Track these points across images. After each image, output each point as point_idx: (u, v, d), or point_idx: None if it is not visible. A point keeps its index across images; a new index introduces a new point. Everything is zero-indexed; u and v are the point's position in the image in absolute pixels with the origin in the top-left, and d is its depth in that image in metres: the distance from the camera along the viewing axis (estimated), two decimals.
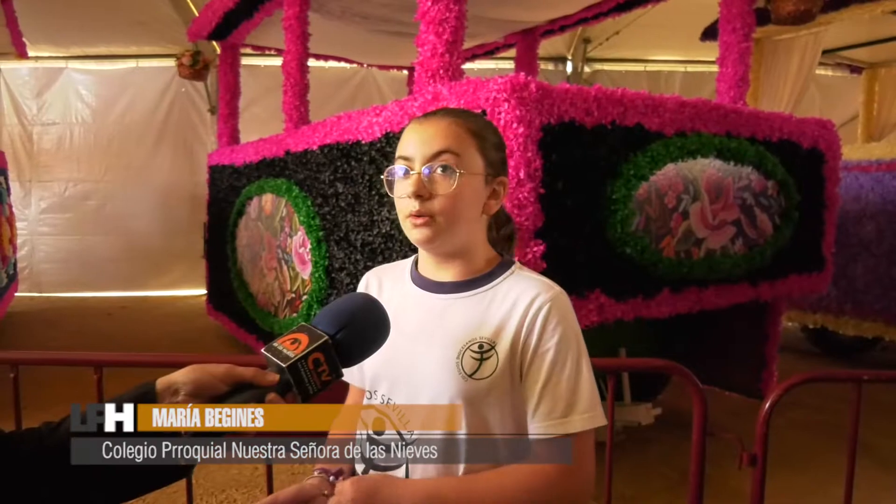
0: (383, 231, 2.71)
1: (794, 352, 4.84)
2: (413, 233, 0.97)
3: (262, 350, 0.82)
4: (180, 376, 0.79)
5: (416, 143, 0.96)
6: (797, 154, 3.03)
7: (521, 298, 0.96)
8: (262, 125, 6.06)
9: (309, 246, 3.34)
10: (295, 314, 3.59)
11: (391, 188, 0.99)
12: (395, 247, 2.64)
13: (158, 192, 7.45)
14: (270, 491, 1.58)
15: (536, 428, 0.93)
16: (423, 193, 0.94)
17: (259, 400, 0.78)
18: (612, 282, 2.39)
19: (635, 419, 3.09)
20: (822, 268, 3.24)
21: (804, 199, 3.06)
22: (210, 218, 5.46)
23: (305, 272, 3.45)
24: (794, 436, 3.29)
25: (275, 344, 0.82)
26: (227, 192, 4.89)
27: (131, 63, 7.27)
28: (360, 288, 1.12)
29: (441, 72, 2.46)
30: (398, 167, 0.98)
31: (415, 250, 1.08)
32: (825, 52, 5.24)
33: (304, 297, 3.44)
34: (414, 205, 0.94)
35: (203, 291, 6.26)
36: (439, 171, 0.94)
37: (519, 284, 0.98)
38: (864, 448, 2.54)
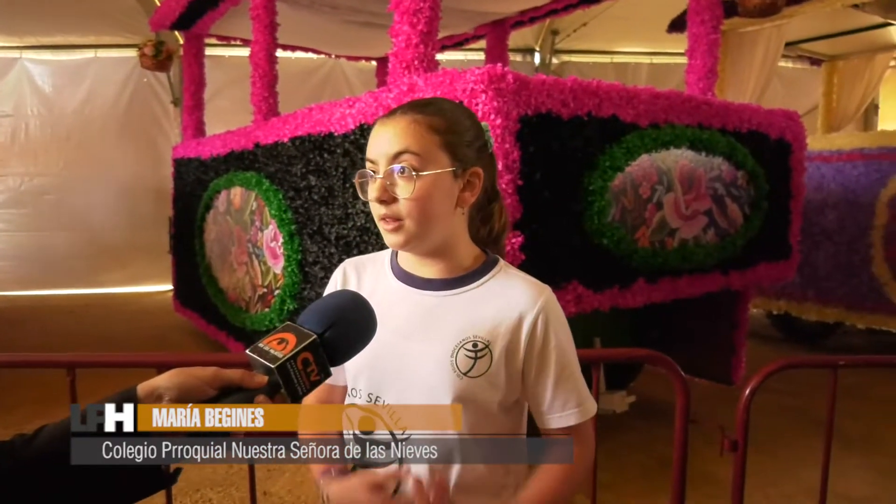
0: (358, 224, 2.68)
1: (758, 337, 4.96)
2: (386, 237, 0.97)
3: (247, 351, 0.79)
4: (164, 381, 0.76)
5: (377, 145, 0.95)
6: (765, 145, 3.09)
7: (515, 300, 0.97)
8: (228, 117, 5.93)
9: (281, 240, 3.28)
10: (267, 309, 3.54)
11: (364, 191, 0.97)
12: (370, 240, 2.61)
13: (120, 185, 7.25)
14: (252, 488, 1.55)
15: (557, 420, 0.98)
16: (385, 198, 0.93)
17: (247, 403, 0.76)
18: (589, 272, 2.40)
19: (610, 407, 3.13)
20: (788, 256, 3.32)
21: (772, 188, 3.12)
22: (176, 212, 5.34)
23: (277, 266, 3.39)
24: (763, 420, 3.36)
25: (260, 344, 0.79)
26: (194, 185, 4.79)
27: (89, 53, 7.04)
28: (338, 279, 1.09)
29: (416, 62, 2.43)
30: (368, 170, 0.97)
31: None
32: (787, 44, 5.36)
33: (277, 292, 3.39)
34: (381, 209, 0.94)
35: (169, 287, 6.12)
36: (399, 173, 0.92)
37: (509, 285, 0.99)
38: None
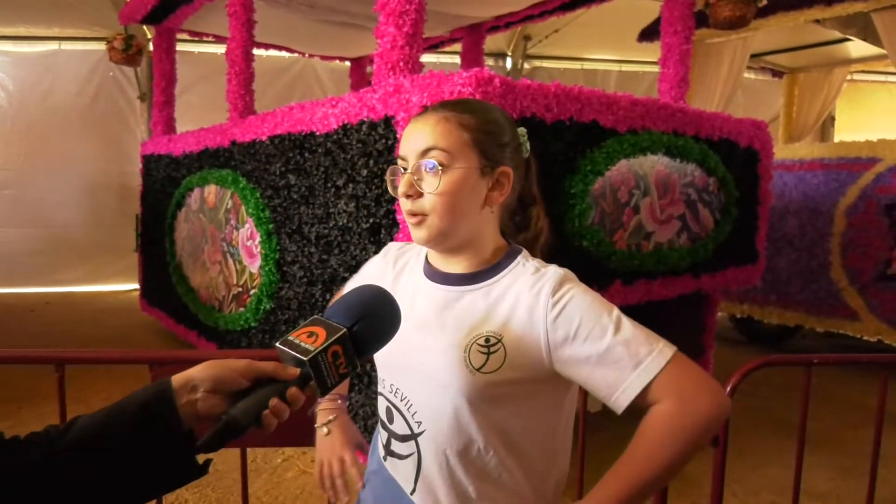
0: (339, 224, 2.68)
1: (720, 339, 5.08)
2: (412, 233, 0.98)
3: (277, 344, 0.82)
4: (198, 373, 0.78)
5: (408, 142, 0.97)
6: (735, 152, 3.19)
7: (523, 290, 0.93)
8: (197, 113, 5.82)
9: (258, 239, 3.26)
10: (242, 308, 3.51)
11: (394, 188, 0.99)
12: (352, 239, 2.62)
13: (83, 181, 7.03)
14: (245, 484, 1.55)
15: (623, 392, 0.87)
16: (411, 193, 0.95)
17: (281, 394, 0.79)
18: None
19: (587, 408, 3.17)
20: (755, 260, 3.43)
21: (741, 195, 3.23)
22: (144, 210, 5.23)
23: (254, 265, 3.37)
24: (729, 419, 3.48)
25: (290, 338, 0.82)
26: (164, 182, 4.71)
27: (53, 45, 6.82)
28: (377, 257, 1.15)
29: (401, 64, 2.45)
30: (399, 167, 0.99)
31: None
32: (751, 56, 5.54)
33: (253, 292, 3.36)
34: (407, 204, 0.96)
35: (133, 286, 5.99)
36: (426, 168, 0.94)
37: (522, 275, 0.96)
38: (790, 428, 2.71)
